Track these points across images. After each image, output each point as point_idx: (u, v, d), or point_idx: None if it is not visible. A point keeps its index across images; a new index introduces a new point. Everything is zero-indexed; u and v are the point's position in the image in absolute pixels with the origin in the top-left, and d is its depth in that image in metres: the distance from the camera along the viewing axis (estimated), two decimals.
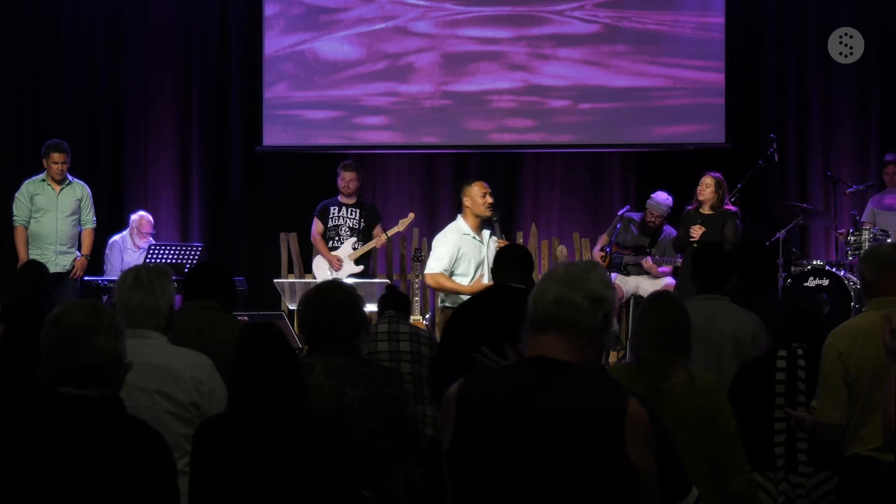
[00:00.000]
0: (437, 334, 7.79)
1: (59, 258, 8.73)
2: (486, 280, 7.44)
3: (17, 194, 8.86)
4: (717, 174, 8.55)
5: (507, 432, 2.54)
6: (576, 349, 2.59)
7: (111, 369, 2.71)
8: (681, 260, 8.59)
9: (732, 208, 8.50)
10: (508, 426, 2.55)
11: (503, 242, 7.62)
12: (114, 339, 2.72)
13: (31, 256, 8.51)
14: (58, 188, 8.80)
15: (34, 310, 4.50)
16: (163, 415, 3.73)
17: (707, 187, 8.47)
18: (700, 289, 5.20)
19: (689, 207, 8.69)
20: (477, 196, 7.71)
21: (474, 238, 7.67)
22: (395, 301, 5.80)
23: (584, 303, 2.60)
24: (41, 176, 8.83)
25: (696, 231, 8.32)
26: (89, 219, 8.96)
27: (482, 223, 7.75)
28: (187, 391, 3.78)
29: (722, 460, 3.74)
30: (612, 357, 9.09)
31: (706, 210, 8.48)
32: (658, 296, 4.11)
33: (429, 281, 7.81)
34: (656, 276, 8.96)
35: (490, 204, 7.69)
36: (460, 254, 7.63)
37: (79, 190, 8.92)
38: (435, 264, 7.70)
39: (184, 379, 3.79)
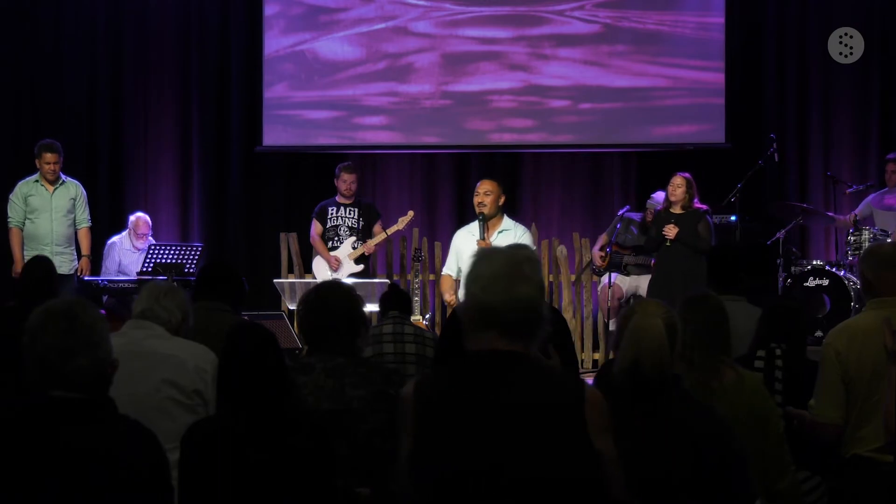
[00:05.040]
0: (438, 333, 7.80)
1: (55, 258, 8.64)
2: None
3: (10, 196, 8.81)
4: (687, 174, 8.52)
5: (473, 429, 2.56)
6: (524, 339, 2.63)
7: (96, 378, 2.70)
8: (654, 261, 8.58)
9: (702, 206, 8.50)
10: (474, 423, 2.56)
11: (482, 243, 7.66)
12: (93, 352, 2.68)
13: (27, 258, 8.47)
14: (51, 188, 8.74)
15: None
16: (167, 403, 3.78)
17: (678, 187, 8.45)
18: (716, 290, 5.16)
19: (659, 208, 8.69)
20: (474, 194, 7.90)
21: (473, 236, 7.81)
22: (398, 301, 5.77)
23: (542, 299, 2.65)
24: (34, 177, 8.78)
25: (671, 230, 8.31)
26: (84, 217, 8.89)
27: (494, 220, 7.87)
28: (191, 379, 3.86)
29: (770, 460, 3.68)
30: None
31: (677, 210, 8.46)
32: (696, 295, 3.96)
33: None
34: None
35: (479, 202, 7.80)
36: (460, 253, 7.84)
37: (73, 189, 8.85)
38: (444, 269, 7.97)
39: (188, 367, 3.87)
